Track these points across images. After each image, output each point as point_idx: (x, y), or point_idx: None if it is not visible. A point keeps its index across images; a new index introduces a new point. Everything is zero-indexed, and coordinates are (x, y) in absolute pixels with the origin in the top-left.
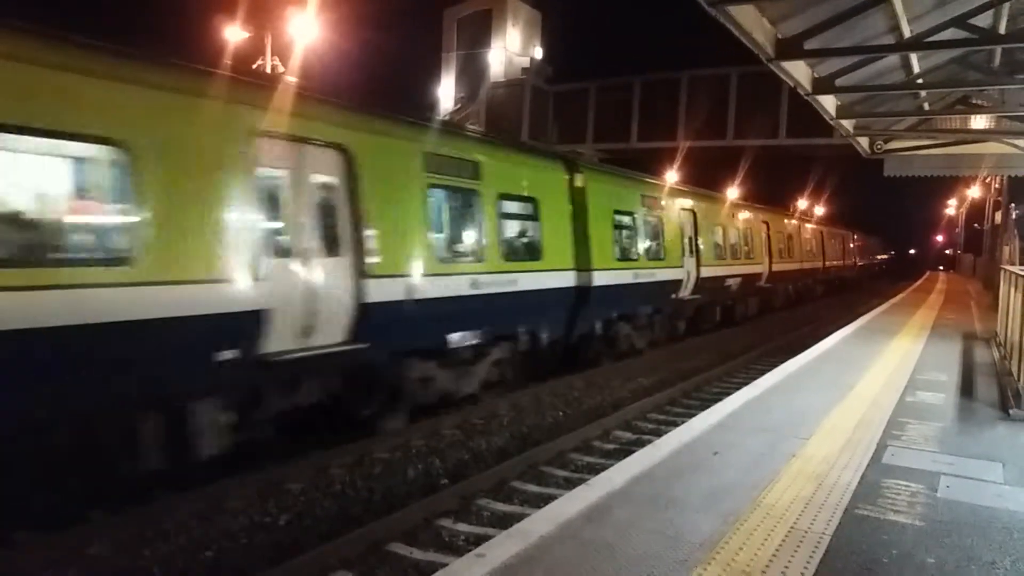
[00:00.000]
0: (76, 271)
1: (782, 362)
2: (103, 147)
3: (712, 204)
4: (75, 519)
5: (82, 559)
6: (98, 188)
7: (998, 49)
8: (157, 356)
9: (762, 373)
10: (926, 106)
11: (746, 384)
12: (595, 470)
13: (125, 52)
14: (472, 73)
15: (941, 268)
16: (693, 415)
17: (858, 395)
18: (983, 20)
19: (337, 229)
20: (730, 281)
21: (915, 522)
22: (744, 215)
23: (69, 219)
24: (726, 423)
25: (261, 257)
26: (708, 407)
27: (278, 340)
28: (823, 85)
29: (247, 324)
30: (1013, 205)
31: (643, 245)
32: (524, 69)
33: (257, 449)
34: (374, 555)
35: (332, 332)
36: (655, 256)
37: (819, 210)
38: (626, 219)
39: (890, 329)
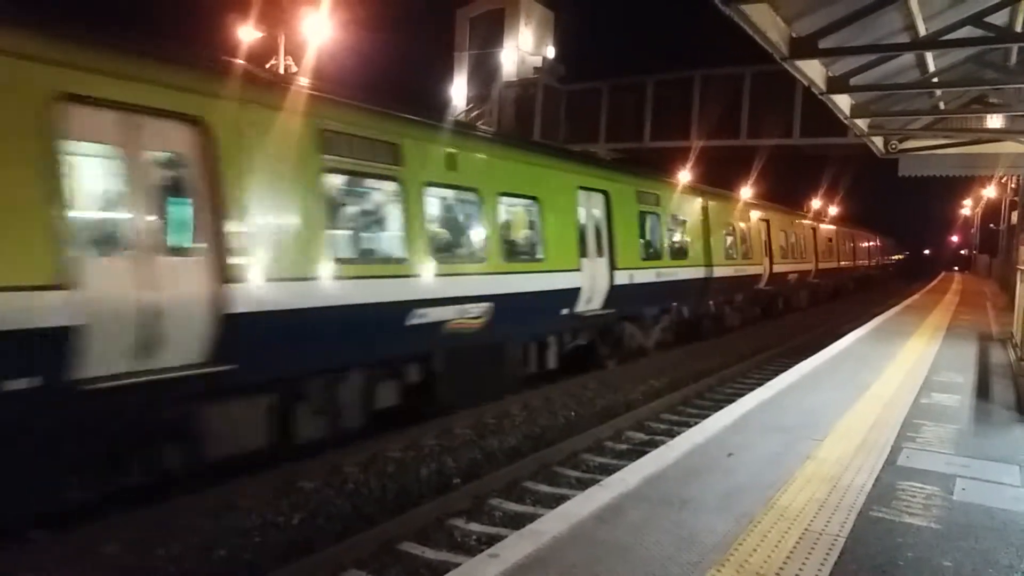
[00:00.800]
0: (531, 263)
1: (796, 363)
2: (532, 201)
3: (779, 213)
4: (90, 517)
5: (97, 557)
6: (531, 222)
7: (1014, 48)
8: (542, 310)
9: (776, 374)
10: (941, 105)
11: (760, 385)
12: (608, 471)
13: (539, 147)
14: (484, 72)
15: (956, 269)
16: (706, 416)
17: (873, 396)
18: (999, 18)
19: (601, 240)
20: (791, 276)
21: (931, 524)
22: (799, 222)
23: (528, 238)
24: (740, 424)
25: (580, 257)
26: (721, 408)
27: (580, 305)
28: (837, 84)
29: (573, 295)
30: None
31: (739, 247)
32: (536, 68)
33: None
34: (387, 554)
35: (598, 302)
36: (745, 255)
37: (833, 210)
38: (730, 228)
39: (905, 330)
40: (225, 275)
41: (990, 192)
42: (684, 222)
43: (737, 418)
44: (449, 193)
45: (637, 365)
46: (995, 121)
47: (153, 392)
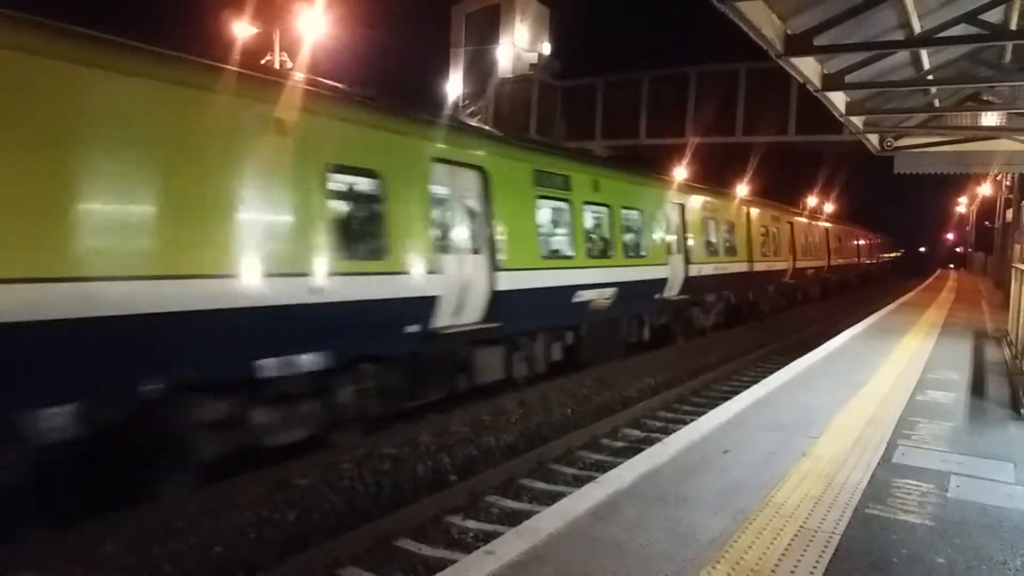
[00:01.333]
0: (638, 259)
1: (791, 360)
2: (639, 212)
3: (799, 217)
4: (88, 517)
5: (96, 557)
6: (638, 227)
7: (1009, 45)
8: (645, 295)
9: (772, 371)
10: (936, 103)
11: (755, 382)
12: (604, 468)
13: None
14: (480, 69)
15: (951, 266)
16: (702, 413)
17: (868, 394)
18: (994, 16)
19: (680, 240)
20: (809, 271)
21: (925, 522)
22: (814, 224)
23: (636, 240)
24: (735, 421)
25: (667, 254)
26: (717, 405)
27: (666, 291)
28: (833, 81)
29: (663, 283)
30: None
31: (771, 246)
32: (532, 65)
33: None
34: (383, 551)
35: (676, 289)
36: (775, 253)
37: (828, 207)
38: (765, 230)
39: (900, 327)
40: (495, 266)
41: (985, 190)
42: (734, 225)
43: (733, 415)
44: (595, 208)
45: (637, 364)
46: (990, 119)
47: (460, 338)
